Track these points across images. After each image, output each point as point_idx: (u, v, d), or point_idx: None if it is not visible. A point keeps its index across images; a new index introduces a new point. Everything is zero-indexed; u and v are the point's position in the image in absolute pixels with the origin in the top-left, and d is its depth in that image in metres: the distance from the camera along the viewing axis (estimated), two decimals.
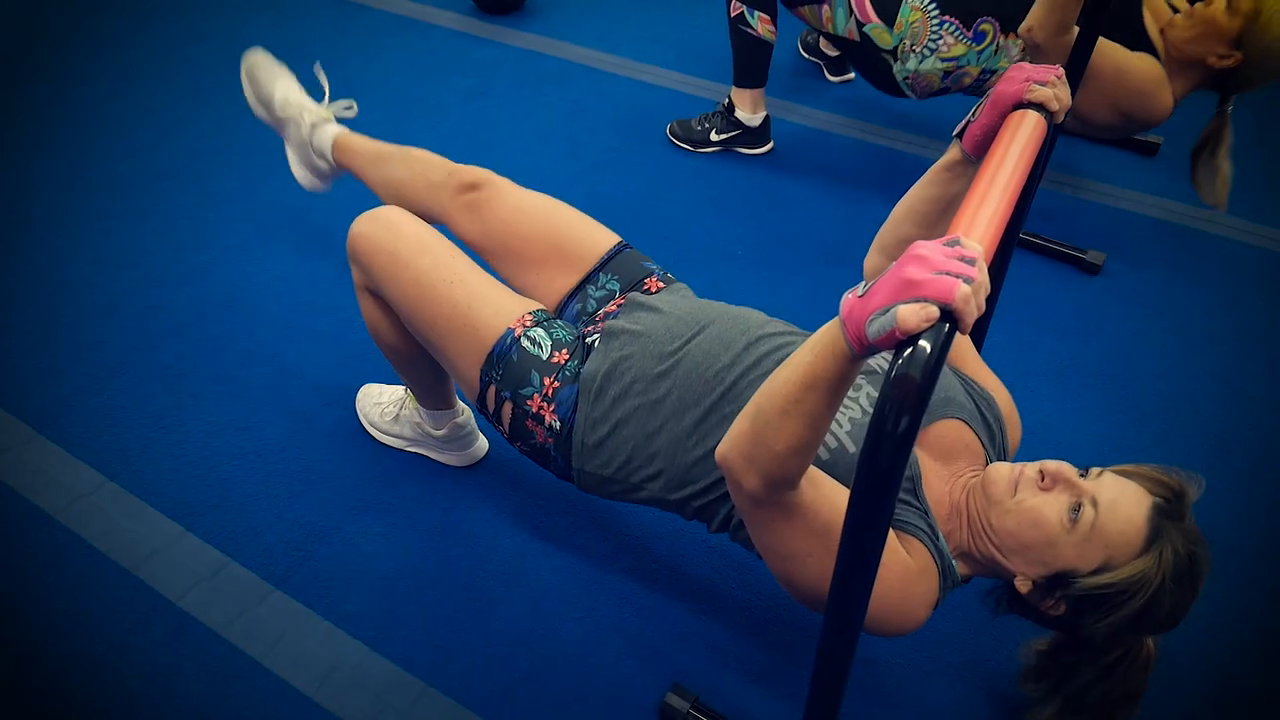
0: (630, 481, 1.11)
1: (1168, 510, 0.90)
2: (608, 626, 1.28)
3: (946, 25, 1.95)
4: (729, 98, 2.26)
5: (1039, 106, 0.89)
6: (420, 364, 1.33)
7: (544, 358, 1.13)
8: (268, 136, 2.26)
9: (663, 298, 1.20)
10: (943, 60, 1.99)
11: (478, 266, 1.21)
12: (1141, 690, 0.98)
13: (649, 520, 1.42)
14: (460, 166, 1.37)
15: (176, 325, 1.73)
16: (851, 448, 0.96)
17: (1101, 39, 1.75)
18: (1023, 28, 1.79)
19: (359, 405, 1.55)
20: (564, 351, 1.14)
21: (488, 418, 1.19)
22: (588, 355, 1.15)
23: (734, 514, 1.05)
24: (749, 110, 2.25)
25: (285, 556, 1.35)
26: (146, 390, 1.60)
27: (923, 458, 1.01)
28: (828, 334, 0.73)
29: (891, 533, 0.90)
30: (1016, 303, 1.87)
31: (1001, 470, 0.96)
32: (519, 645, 1.25)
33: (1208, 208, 2.14)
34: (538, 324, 1.15)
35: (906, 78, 2.04)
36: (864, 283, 0.71)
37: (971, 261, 0.64)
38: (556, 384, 1.12)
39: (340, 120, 1.59)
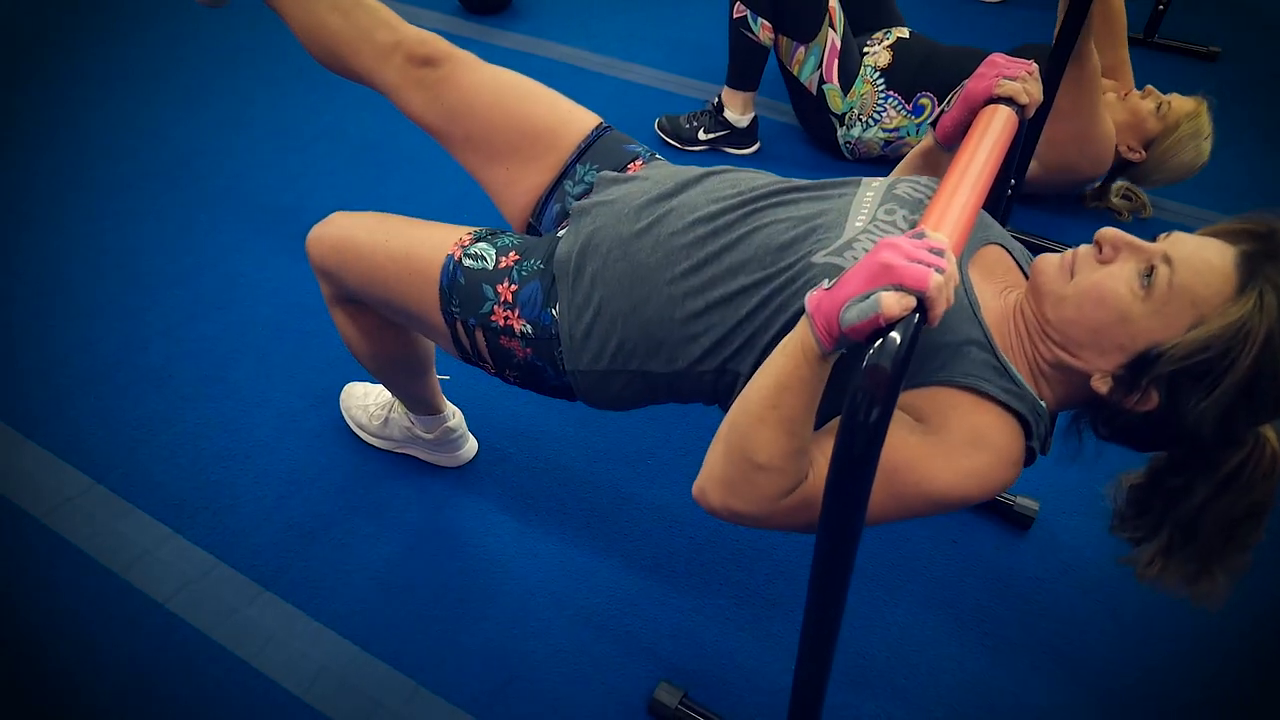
0: (630, 369, 0.98)
1: (1260, 252, 0.76)
2: (598, 624, 1.28)
3: (890, 99, 2.13)
4: (719, 97, 2.27)
5: (1009, 100, 0.90)
6: (402, 371, 1.31)
7: (490, 267, 1.03)
8: (262, 136, 2.26)
9: (643, 171, 1.10)
10: (884, 130, 2.18)
11: (415, 219, 1.13)
12: (1269, 503, 0.82)
13: (640, 517, 1.43)
14: (410, 30, 1.18)
15: (166, 327, 1.73)
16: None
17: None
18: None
19: (344, 404, 1.55)
20: (511, 254, 1.04)
21: (473, 362, 1.10)
22: (555, 245, 1.04)
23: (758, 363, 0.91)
24: (739, 111, 2.26)
25: (274, 558, 1.35)
26: (135, 392, 1.60)
27: (976, 280, 0.91)
28: (794, 336, 0.73)
29: (933, 404, 0.81)
30: None
31: (1051, 258, 0.85)
32: (510, 644, 1.26)
33: (1192, 204, 2.20)
34: (478, 240, 1.06)
35: (849, 142, 2.21)
36: (828, 279, 0.72)
37: (940, 253, 0.65)
38: (514, 287, 1.02)
39: None
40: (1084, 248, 0.84)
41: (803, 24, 2.05)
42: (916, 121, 2.14)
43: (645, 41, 2.82)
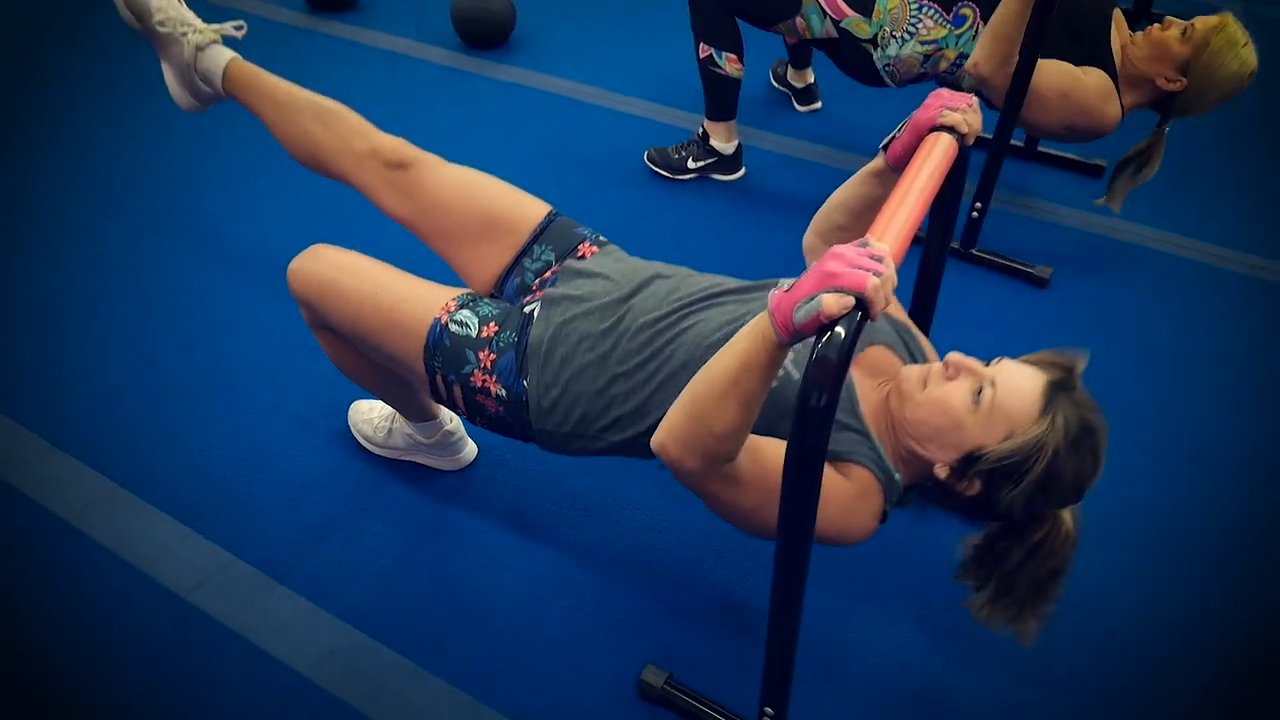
0: (589, 433, 1.19)
1: (1060, 383, 0.99)
2: (590, 613, 1.38)
3: (925, 10, 2.04)
4: (703, 128, 2.40)
5: (951, 129, 1.02)
6: (390, 385, 1.41)
7: (474, 335, 1.21)
8: (266, 152, 2.38)
9: (597, 261, 1.29)
10: (922, 44, 2.07)
11: (398, 271, 1.28)
12: (1065, 567, 1.05)
13: (630, 516, 1.52)
14: (383, 138, 1.36)
15: (184, 343, 1.84)
16: (796, 375, 1.06)
17: (1046, 62, 1.90)
18: (969, 63, 1.93)
19: (351, 421, 1.65)
20: (492, 325, 1.22)
21: (445, 404, 1.27)
22: (527, 323, 1.22)
23: None
24: (723, 140, 2.39)
25: (288, 555, 1.44)
26: (153, 404, 1.70)
27: (858, 377, 1.11)
28: (758, 324, 0.85)
29: (829, 468, 0.99)
30: (970, 313, 2.00)
31: (913, 370, 1.07)
32: (507, 630, 1.35)
33: (1146, 224, 2.30)
34: (461, 307, 1.23)
35: (887, 64, 2.13)
36: (789, 280, 0.84)
37: (880, 259, 0.76)
38: (493, 355, 1.20)
39: (228, 42, 1.44)
40: (935, 365, 1.05)
41: (778, 6, 2.12)
42: (957, 33, 2.04)
43: (636, 75, 2.96)
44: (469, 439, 1.61)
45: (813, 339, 0.77)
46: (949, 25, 2.04)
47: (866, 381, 1.12)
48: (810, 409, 0.77)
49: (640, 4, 3.47)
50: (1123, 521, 1.54)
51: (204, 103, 1.51)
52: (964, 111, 1.03)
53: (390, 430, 1.58)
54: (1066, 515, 1.03)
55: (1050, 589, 1.04)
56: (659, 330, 1.15)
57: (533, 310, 1.24)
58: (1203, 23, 1.86)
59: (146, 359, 1.80)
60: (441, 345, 1.21)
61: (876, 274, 0.76)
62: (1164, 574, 1.48)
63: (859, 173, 1.19)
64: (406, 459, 1.61)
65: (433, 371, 1.23)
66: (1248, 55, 1.84)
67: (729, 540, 1.49)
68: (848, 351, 0.75)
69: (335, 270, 1.27)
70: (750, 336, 0.86)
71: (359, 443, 1.64)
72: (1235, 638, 1.39)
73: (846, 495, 1.02)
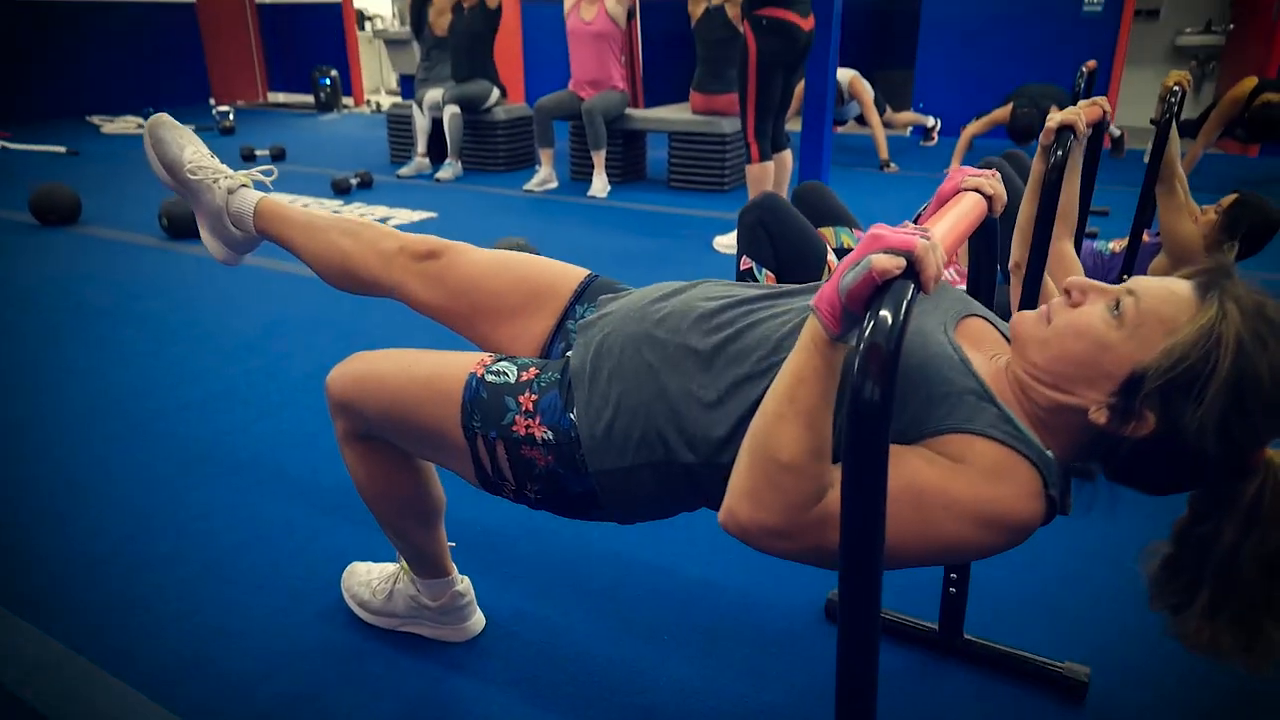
0: (654, 460, 1.01)
1: (1214, 272, 0.82)
2: None
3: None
4: None
5: (977, 190, 1.01)
6: (412, 516, 1.29)
7: (512, 381, 1.09)
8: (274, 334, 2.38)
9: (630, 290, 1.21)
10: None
11: (432, 350, 1.19)
12: None
13: (660, 697, 1.31)
14: (410, 236, 1.34)
15: (175, 521, 1.72)
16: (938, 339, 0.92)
17: None
18: (1010, 264, 2.03)
19: (346, 585, 1.49)
20: (531, 369, 1.11)
21: (492, 484, 1.11)
22: (568, 362, 1.10)
23: None
24: None
25: None
26: (136, 577, 1.55)
27: (963, 346, 0.95)
28: (806, 330, 0.78)
29: (926, 454, 0.84)
30: None
31: (1027, 314, 0.91)
32: None
33: None
34: (498, 360, 1.13)
35: None
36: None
37: (927, 233, 0.71)
38: (534, 397, 1.07)
39: (258, 187, 1.48)
40: (1054, 300, 0.91)
41: (806, 270, 2.27)
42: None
43: None
44: (478, 609, 1.44)
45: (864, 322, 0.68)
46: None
47: (975, 354, 0.96)
48: (864, 402, 0.67)
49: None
50: None
51: (237, 251, 1.51)
52: (989, 178, 1.04)
53: (391, 593, 1.42)
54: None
55: None
56: (718, 325, 1.02)
57: (574, 349, 1.12)
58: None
59: (136, 534, 1.68)
60: (479, 399, 1.08)
61: (924, 238, 0.71)
62: None
63: None
64: (406, 629, 1.42)
65: (472, 435, 1.08)
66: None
67: (775, 714, 1.26)
68: (899, 333, 0.67)
69: (371, 363, 1.19)
70: (799, 345, 0.79)
71: (354, 612, 1.46)
72: None
73: (989, 479, 0.82)
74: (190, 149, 1.45)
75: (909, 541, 0.82)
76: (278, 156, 6.02)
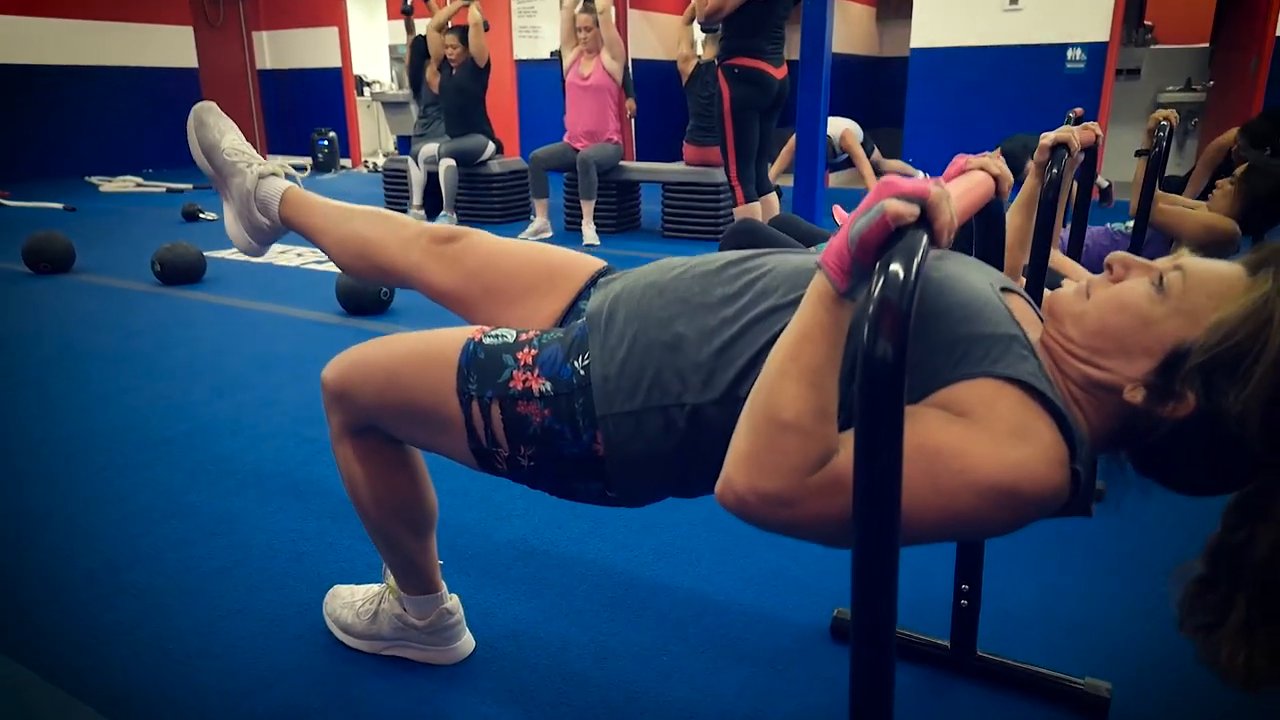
0: (666, 403, 0.95)
1: (1265, 252, 0.78)
2: None
3: None
4: None
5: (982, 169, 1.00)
6: (404, 522, 1.23)
7: (511, 340, 1.06)
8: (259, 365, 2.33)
9: None
10: None
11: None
12: None
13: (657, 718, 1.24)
14: (434, 224, 1.34)
15: (153, 549, 1.66)
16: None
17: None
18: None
19: (328, 609, 1.42)
20: (531, 332, 1.08)
21: (486, 456, 1.05)
22: (577, 317, 1.07)
23: None
24: None
25: None
26: (110, 602, 1.48)
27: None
28: (812, 286, 0.75)
29: (941, 412, 0.78)
30: None
31: (1065, 288, 0.87)
32: None
33: None
34: (498, 327, 1.11)
35: None
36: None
37: (940, 183, 0.69)
38: (534, 351, 1.04)
39: (289, 179, 1.49)
40: (1094, 277, 0.87)
41: None
42: None
43: None
44: (467, 630, 1.37)
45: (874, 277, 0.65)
46: None
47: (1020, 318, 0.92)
48: (876, 361, 0.64)
49: None
50: None
51: (260, 241, 1.51)
52: (994, 158, 1.02)
53: (376, 614, 1.35)
54: None
55: None
56: (740, 271, 1.00)
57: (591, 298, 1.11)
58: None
59: (112, 563, 1.61)
60: (475, 360, 1.05)
61: (938, 187, 0.69)
62: None
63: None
64: (391, 652, 1.35)
65: (467, 399, 1.03)
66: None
67: None
68: (912, 288, 0.64)
69: (366, 347, 1.16)
70: (805, 301, 0.76)
71: (335, 636, 1.39)
72: None
73: (1011, 440, 0.76)
74: (230, 135, 1.51)
75: (919, 511, 0.76)
76: None
